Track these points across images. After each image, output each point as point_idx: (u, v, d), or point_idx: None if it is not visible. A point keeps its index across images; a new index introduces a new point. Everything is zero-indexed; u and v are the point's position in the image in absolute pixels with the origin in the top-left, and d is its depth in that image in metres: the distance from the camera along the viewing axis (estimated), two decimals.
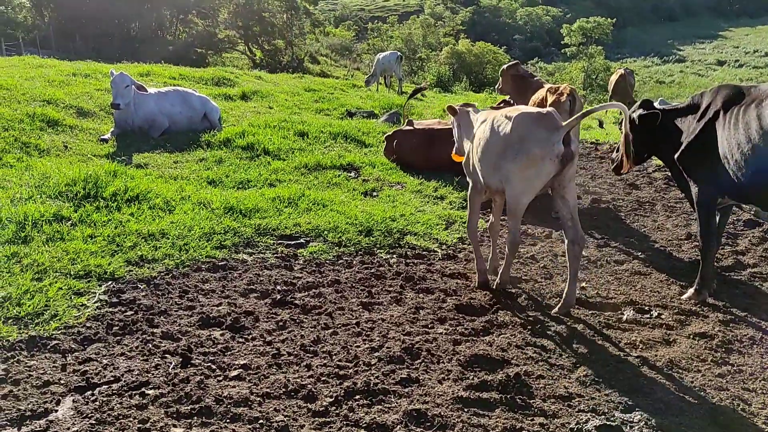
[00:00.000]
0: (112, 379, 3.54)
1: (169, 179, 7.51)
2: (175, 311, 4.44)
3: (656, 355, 4.15)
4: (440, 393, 3.58)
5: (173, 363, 3.74)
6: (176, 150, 9.08)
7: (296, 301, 4.74)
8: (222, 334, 4.18)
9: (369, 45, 52.56)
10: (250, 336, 4.18)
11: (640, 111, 5.52)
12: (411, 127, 9.21)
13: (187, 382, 3.55)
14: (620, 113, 5.55)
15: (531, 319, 4.73)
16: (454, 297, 5.05)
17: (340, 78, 30.49)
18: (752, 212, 7.29)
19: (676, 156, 5.17)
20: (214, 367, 3.75)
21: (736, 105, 4.64)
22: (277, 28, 39.36)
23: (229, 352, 3.96)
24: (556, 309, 4.88)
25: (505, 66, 9.30)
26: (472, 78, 41.83)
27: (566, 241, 4.78)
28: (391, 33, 55.07)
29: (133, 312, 4.35)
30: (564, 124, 4.56)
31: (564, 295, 4.86)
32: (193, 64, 26.09)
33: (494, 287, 5.26)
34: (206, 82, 15.69)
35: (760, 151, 4.32)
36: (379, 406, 3.44)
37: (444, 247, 6.24)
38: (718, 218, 5.27)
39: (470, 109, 5.62)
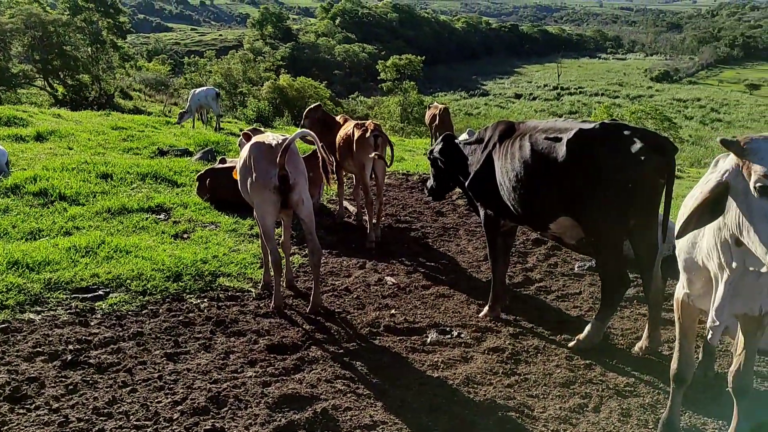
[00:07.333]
0: None
1: None
2: None
3: (455, 374, 4.43)
4: None
5: None
6: None
7: (90, 360, 4.37)
8: None
9: (186, 79, 50.88)
10: (33, 405, 3.77)
11: (441, 146, 6.00)
12: (224, 165, 9.05)
13: None
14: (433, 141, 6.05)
15: (342, 351, 4.82)
16: (266, 337, 4.99)
17: (154, 114, 29.06)
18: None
19: (466, 184, 5.65)
20: None
21: (507, 138, 5.20)
22: (82, 62, 36.47)
23: (5, 428, 3.52)
24: (308, 310, 5.52)
25: (308, 108, 9.40)
26: (295, 112, 42.20)
27: (308, 252, 5.50)
28: (210, 67, 53.87)
29: None
30: (277, 160, 5.06)
31: (312, 296, 5.57)
32: None
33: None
34: None
35: (522, 178, 4.87)
36: None
37: (259, 286, 6.15)
38: (505, 239, 5.81)
39: (255, 133, 6.03)
